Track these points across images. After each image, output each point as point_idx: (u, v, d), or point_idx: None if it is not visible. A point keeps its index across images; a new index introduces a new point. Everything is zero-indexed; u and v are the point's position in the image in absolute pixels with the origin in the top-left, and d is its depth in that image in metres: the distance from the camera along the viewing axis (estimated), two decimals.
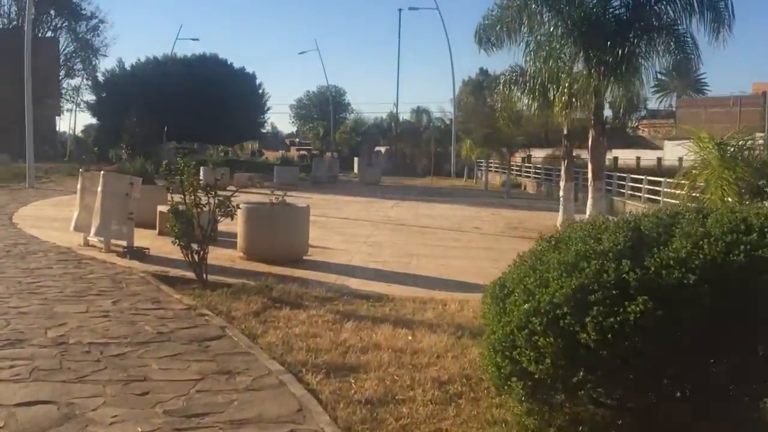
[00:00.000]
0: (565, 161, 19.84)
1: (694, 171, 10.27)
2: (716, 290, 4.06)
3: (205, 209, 9.84)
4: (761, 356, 4.24)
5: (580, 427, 4.77)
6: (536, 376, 4.39)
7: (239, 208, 10.50)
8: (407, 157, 75.74)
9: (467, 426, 5.21)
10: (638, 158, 50.12)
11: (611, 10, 14.58)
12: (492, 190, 42.68)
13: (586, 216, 14.43)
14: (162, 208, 14.69)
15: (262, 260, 11.84)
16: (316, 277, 10.88)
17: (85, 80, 74.68)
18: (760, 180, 9.74)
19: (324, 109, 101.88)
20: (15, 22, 65.84)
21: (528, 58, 19.66)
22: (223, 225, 10.41)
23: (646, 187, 23.67)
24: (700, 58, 14.91)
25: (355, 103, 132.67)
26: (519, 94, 20.56)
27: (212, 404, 5.38)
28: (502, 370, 4.63)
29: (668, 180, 21.92)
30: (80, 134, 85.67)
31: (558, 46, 15.28)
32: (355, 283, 10.56)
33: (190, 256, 9.72)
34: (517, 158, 45.91)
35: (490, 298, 4.97)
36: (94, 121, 73.78)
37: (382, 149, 74.52)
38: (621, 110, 18.86)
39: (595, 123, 14.54)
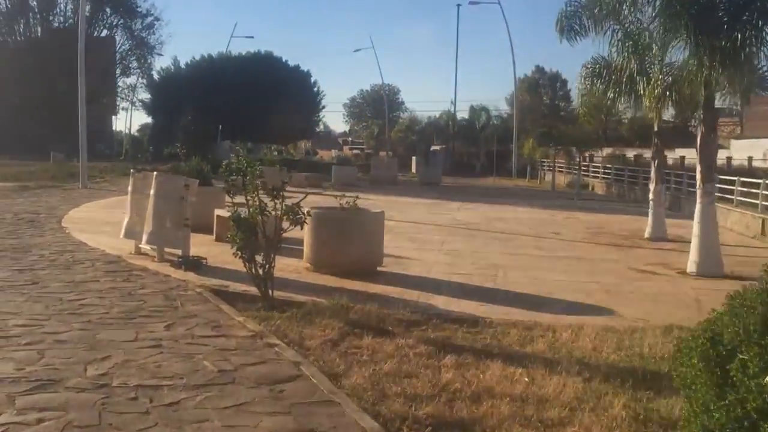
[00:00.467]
0: (656, 161, 18.08)
1: None
2: None
3: (271, 215, 8.52)
4: None
5: None
6: None
7: (309, 214, 9.15)
8: (464, 155, 74.20)
9: None
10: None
11: None
12: (558, 190, 40.78)
13: (695, 223, 12.72)
14: (220, 211, 13.47)
15: (331, 272, 10.50)
16: (396, 294, 9.47)
17: (140, 79, 74.70)
18: None
19: (377, 107, 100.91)
20: (71, 21, 65.91)
21: (614, 49, 18.15)
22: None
23: (740, 189, 21.53)
24: None
25: (408, 101, 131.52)
26: (602, 87, 19.00)
27: None
28: None
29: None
30: (136, 133, 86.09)
31: (657, 34, 13.63)
32: (441, 302, 9.12)
33: (253, 269, 8.41)
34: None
35: (698, 356, 3.44)
36: (149, 120, 73.96)
37: (437, 147, 72.91)
38: (735, 103, 16.93)
39: (705, 117, 12.83)
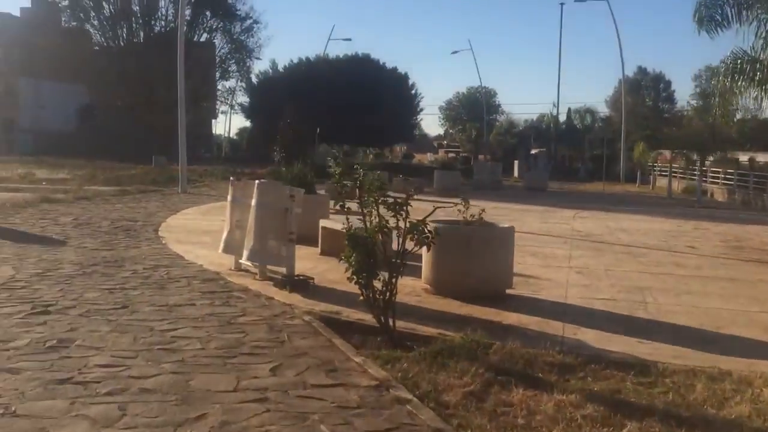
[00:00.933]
0: None
1: None
2: None
3: (393, 234, 7.22)
4: None
5: None
6: None
7: (438, 233, 7.80)
8: (565, 159, 71.66)
9: None
10: None
11: None
12: (675, 197, 38.11)
13: None
14: (325, 222, 12.32)
15: (454, 295, 9.13)
16: (534, 325, 8.00)
17: (239, 82, 75.13)
18: None
19: (473, 110, 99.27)
20: (172, 25, 66.72)
21: (761, 41, 16.47)
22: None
23: None
24: None
25: (505, 103, 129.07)
26: (744, 84, 17.22)
27: None
28: None
29: None
30: (235, 137, 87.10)
31: None
32: (591, 338, 7.59)
33: (372, 297, 7.11)
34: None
35: None
36: (248, 123, 74.45)
37: (535, 151, 70.56)
38: None
39: None
